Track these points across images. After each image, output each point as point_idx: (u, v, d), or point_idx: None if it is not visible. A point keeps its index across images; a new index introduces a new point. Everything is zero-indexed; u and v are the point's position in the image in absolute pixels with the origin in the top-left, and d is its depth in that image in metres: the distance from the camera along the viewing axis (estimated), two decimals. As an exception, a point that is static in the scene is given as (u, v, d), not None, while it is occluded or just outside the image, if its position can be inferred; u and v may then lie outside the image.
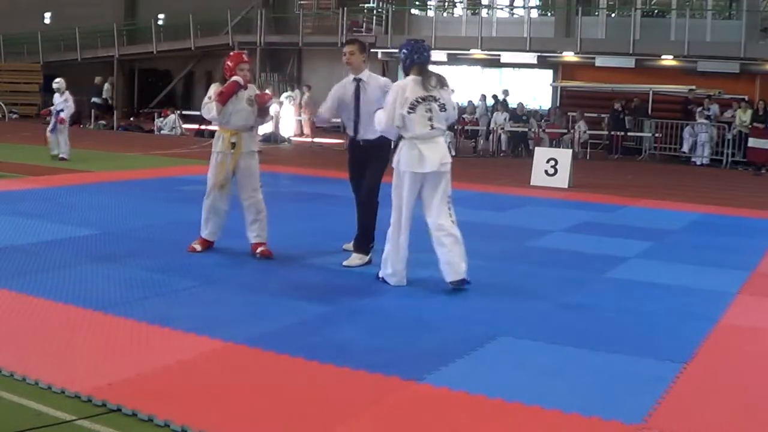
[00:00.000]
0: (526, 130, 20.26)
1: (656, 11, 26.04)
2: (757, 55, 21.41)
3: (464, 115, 21.76)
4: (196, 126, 21.90)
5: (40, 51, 29.99)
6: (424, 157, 5.77)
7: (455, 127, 20.35)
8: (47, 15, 32.25)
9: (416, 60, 5.91)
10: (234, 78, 6.52)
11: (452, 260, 5.81)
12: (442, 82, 5.96)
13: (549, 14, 26.68)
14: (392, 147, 6.51)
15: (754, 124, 18.45)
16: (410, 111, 5.78)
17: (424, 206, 5.92)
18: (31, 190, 10.17)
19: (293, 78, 26.47)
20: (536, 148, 16.03)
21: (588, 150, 20.27)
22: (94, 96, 25.76)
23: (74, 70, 29.67)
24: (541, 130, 20.39)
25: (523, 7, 26.82)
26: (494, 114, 20.95)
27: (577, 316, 5.41)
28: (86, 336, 4.54)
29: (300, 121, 22.86)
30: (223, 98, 6.49)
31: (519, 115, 20.58)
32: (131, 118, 27.21)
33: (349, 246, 6.92)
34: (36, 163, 13.20)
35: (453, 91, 6.19)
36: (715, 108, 19.83)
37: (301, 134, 22.77)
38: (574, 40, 23.40)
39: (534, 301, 5.76)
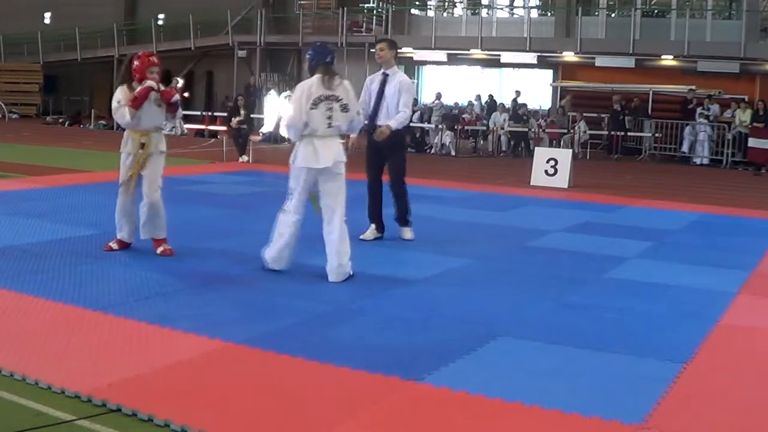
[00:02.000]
0: (526, 130, 20.27)
1: (656, 11, 26.03)
2: (757, 55, 21.41)
3: (464, 115, 21.78)
4: (196, 126, 21.92)
5: (40, 51, 29.99)
6: (318, 153, 6.04)
7: (455, 127, 20.39)
8: (47, 15, 32.26)
9: (321, 61, 6.19)
10: (148, 83, 6.55)
11: (335, 257, 6.03)
12: (344, 84, 6.24)
13: (549, 14, 26.66)
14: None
15: (754, 124, 18.45)
16: (312, 107, 6.04)
17: (323, 203, 6.14)
18: (31, 190, 10.17)
19: (293, 78, 26.44)
20: (536, 148, 16.03)
21: (588, 150, 20.27)
22: None
23: (74, 70, 29.73)
24: (541, 130, 20.40)
25: (523, 7, 26.81)
26: (494, 114, 20.95)
27: (577, 316, 5.41)
28: (86, 336, 4.54)
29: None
30: (137, 103, 6.52)
31: (519, 115, 20.59)
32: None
33: (367, 235, 7.77)
34: (36, 163, 13.22)
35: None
36: (715, 108, 19.83)
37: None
38: (574, 40, 23.39)
39: (534, 301, 5.76)
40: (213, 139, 20.24)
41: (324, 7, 28.06)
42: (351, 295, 5.74)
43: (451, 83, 26.83)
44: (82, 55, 29.42)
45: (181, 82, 5.80)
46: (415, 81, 28.59)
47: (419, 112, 21.95)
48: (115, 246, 6.84)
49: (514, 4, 27.74)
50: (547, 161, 13.65)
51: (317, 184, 6.14)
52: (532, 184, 13.45)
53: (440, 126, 20.55)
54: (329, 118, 6.08)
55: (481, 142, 21.51)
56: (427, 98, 26.25)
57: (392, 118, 7.59)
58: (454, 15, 28.32)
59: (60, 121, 26.45)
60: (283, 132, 21.12)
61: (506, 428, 3.57)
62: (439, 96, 22.67)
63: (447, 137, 20.22)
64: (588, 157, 19.61)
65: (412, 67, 28.42)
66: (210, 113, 22.05)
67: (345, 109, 6.15)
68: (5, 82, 28.96)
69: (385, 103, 7.66)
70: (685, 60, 22.22)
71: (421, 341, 4.72)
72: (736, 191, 14.34)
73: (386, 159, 7.81)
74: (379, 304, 5.53)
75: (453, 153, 19.87)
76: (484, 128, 21.05)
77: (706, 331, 5.15)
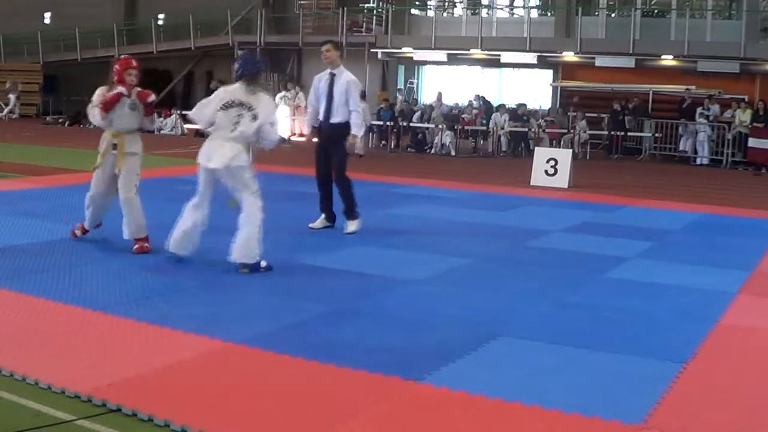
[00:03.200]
0: (526, 130, 20.26)
1: (656, 11, 26.03)
2: (757, 55, 21.41)
3: (464, 115, 21.78)
4: (196, 126, 21.88)
5: (40, 51, 29.99)
6: (213, 153, 6.28)
7: (455, 127, 20.39)
8: (47, 15, 32.25)
9: (246, 72, 6.45)
10: (118, 89, 6.81)
11: (243, 242, 6.25)
12: (262, 95, 6.45)
13: (549, 14, 26.66)
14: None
15: (754, 124, 18.45)
16: (222, 109, 6.32)
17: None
18: (31, 190, 10.17)
19: (293, 78, 26.44)
20: (536, 148, 16.03)
21: (588, 150, 20.27)
22: None
23: (74, 70, 29.71)
24: (541, 130, 20.40)
25: (523, 7, 26.81)
26: (494, 114, 20.95)
27: (577, 316, 5.41)
28: (86, 336, 4.54)
29: (294, 120, 22.84)
30: (106, 107, 6.82)
31: (519, 115, 20.59)
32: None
33: (315, 224, 8.24)
34: (36, 163, 13.22)
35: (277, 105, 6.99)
36: (715, 108, 19.83)
37: (297, 134, 22.75)
38: (574, 40, 23.39)
39: (534, 301, 5.76)
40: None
41: (324, 7, 28.06)
42: (351, 295, 5.74)
43: (451, 83, 26.83)
44: (82, 55, 29.41)
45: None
46: (415, 81, 28.60)
47: (419, 112, 21.95)
48: (78, 232, 7.19)
49: (514, 4, 27.73)
50: (547, 161, 13.64)
51: (220, 180, 6.36)
52: (532, 184, 13.45)
53: (440, 126, 20.55)
54: (235, 123, 6.28)
55: (481, 142, 21.51)
56: (427, 98, 26.24)
57: (354, 124, 8.02)
58: (454, 15, 28.31)
59: (60, 121, 26.44)
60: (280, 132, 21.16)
61: (506, 428, 3.57)
62: (440, 96, 22.65)
63: (447, 137, 20.22)
64: (588, 157, 19.61)
65: (412, 67, 28.43)
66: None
67: (255, 118, 6.31)
68: (5, 81, 28.93)
69: (333, 102, 8.05)
70: (685, 60, 22.21)
71: (421, 341, 4.72)
72: (736, 191, 14.34)
73: (330, 150, 8.16)
74: (379, 304, 5.53)
75: (453, 153, 19.86)
76: (484, 128, 21.04)
77: (706, 331, 5.15)
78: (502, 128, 20.34)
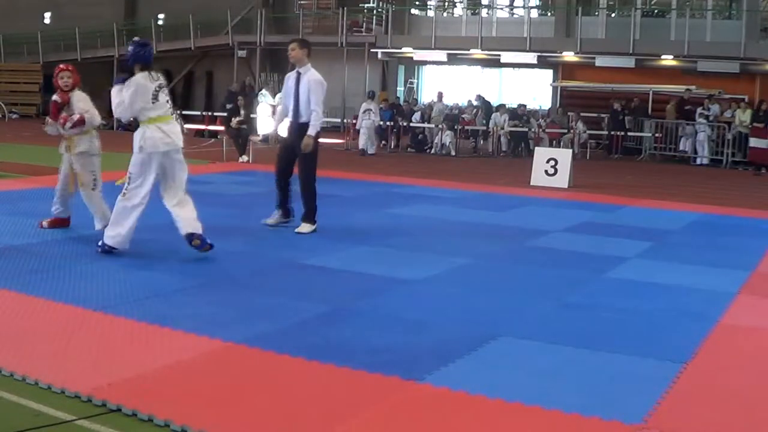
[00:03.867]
0: (526, 130, 20.27)
1: (656, 11, 26.04)
2: (757, 55, 21.42)
3: (464, 115, 21.78)
4: (196, 126, 21.90)
5: (40, 51, 30.00)
6: (168, 136, 6.64)
7: (455, 127, 20.39)
8: (47, 15, 32.27)
9: (140, 58, 6.69)
10: (53, 98, 7.48)
11: (189, 216, 6.69)
12: (159, 75, 6.89)
13: (549, 14, 26.67)
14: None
15: (754, 124, 18.46)
16: (154, 100, 6.63)
17: (165, 179, 6.70)
18: (31, 190, 10.17)
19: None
20: (536, 148, 16.03)
21: (588, 150, 20.27)
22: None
23: (74, 70, 29.69)
24: (541, 130, 20.40)
25: (523, 7, 26.82)
26: (494, 114, 20.95)
27: (577, 316, 5.41)
28: (86, 336, 4.54)
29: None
30: (52, 116, 7.51)
31: (519, 115, 20.59)
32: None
33: (271, 221, 8.28)
34: (36, 163, 13.21)
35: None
36: (715, 108, 19.83)
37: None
38: (574, 40, 23.41)
39: (534, 301, 5.76)
40: (213, 139, 20.22)
41: (324, 7, 28.08)
42: (351, 295, 5.74)
43: (451, 83, 26.83)
44: (82, 55, 29.42)
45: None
46: (415, 81, 28.62)
47: (419, 112, 21.94)
48: (45, 224, 7.63)
49: (514, 4, 27.75)
50: (547, 161, 13.65)
51: (165, 163, 6.67)
52: (532, 184, 13.45)
53: (440, 126, 20.55)
54: (168, 102, 6.78)
55: (481, 142, 21.51)
56: (427, 98, 26.25)
57: (310, 125, 8.01)
58: (454, 15, 28.34)
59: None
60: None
61: (506, 428, 3.57)
62: (440, 96, 22.63)
63: (447, 137, 20.22)
64: (588, 157, 19.61)
65: (412, 67, 28.45)
66: (210, 113, 22.03)
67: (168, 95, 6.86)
68: (5, 82, 28.95)
69: (301, 101, 8.10)
70: (685, 60, 22.22)
71: (421, 341, 4.72)
72: (736, 191, 14.34)
73: (297, 158, 8.21)
74: (379, 304, 5.52)
75: (453, 153, 19.86)
76: (484, 128, 21.05)
77: (706, 331, 5.15)
78: (502, 128, 20.34)
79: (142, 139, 6.61)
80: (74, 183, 7.53)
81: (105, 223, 7.04)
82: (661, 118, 20.66)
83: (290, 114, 8.22)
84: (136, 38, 7.27)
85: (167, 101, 6.76)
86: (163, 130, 6.62)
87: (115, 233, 6.59)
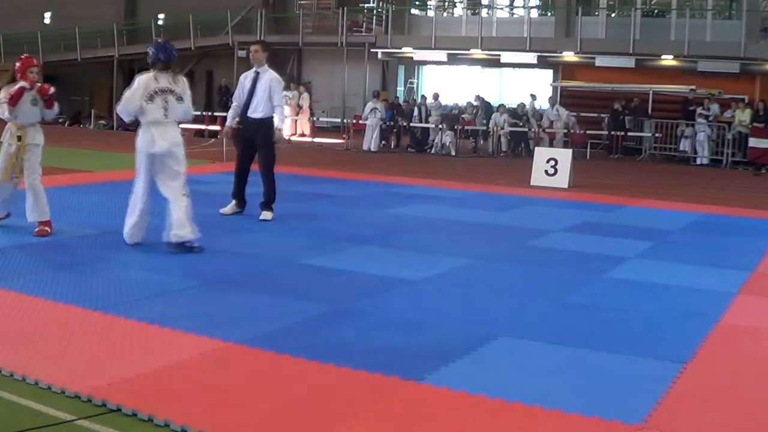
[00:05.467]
0: (526, 130, 20.26)
1: (656, 11, 26.03)
2: (757, 55, 21.41)
3: (464, 115, 21.77)
4: (196, 126, 21.87)
5: (40, 51, 29.93)
6: (155, 140, 6.79)
7: (455, 127, 20.39)
8: (47, 15, 32.25)
9: (161, 58, 6.90)
10: (21, 84, 7.33)
11: (178, 222, 6.76)
12: (178, 78, 7.02)
13: (549, 14, 26.67)
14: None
15: (754, 124, 18.46)
16: (148, 101, 6.77)
17: (159, 181, 6.87)
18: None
19: (293, 78, 26.44)
20: (536, 148, 16.03)
21: (588, 150, 20.27)
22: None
23: (74, 70, 29.70)
24: (541, 130, 20.40)
25: (523, 7, 26.82)
26: (494, 114, 20.95)
27: (577, 316, 5.41)
28: (86, 336, 4.54)
29: (296, 120, 22.83)
30: (12, 102, 7.30)
31: (519, 115, 20.58)
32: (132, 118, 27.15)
33: (226, 210, 8.87)
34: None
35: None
36: (715, 108, 19.83)
37: (297, 134, 22.75)
38: (574, 40, 23.40)
39: (534, 301, 5.76)
40: (213, 139, 20.22)
41: (324, 7, 28.07)
42: (351, 295, 5.74)
43: (451, 83, 26.82)
44: (82, 55, 29.41)
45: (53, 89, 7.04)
46: (415, 81, 28.60)
47: (416, 107, 21.93)
48: None
49: (514, 4, 27.74)
50: (547, 161, 13.64)
51: (155, 165, 6.85)
52: (532, 184, 13.45)
53: (440, 126, 20.55)
54: (165, 108, 6.82)
55: (481, 142, 21.51)
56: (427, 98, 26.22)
57: (278, 119, 8.66)
58: (454, 15, 28.32)
59: (60, 121, 26.42)
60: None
61: (506, 428, 3.57)
62: (436, 96, 22.61)
63: (447, 137, 20.22)
64: (588, 157, 19.61)
65: (412, 67, 28.43)
66: (210, 113, 22.03)
67: (180, 100, 6.91)
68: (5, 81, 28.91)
69: (255, 98, 8.62)
70: (685, 60, 22.21)
71: (421, 341, 4.72)
72: (736, 191, 14.34)
73: (257, 149, 8.74)
74: (379, 304, 5.53)
75: (453, 153, 19.86)
76: (484, 128, 21.04)
77: (706, 331, 5.15)
78: (502, 128, 20.33)
79: (137, 139, 6.93)
80: (11, 173, 7.50)
81: (41, 217, 7.28)
82: (661, 118, 20.65)
83: (248, 110, 8.65)
84: (158, 39, 7.52)
85: (164, 106, 6.83)
86: (152, 133, 6.81)
87: (125, 228, 6.96)
